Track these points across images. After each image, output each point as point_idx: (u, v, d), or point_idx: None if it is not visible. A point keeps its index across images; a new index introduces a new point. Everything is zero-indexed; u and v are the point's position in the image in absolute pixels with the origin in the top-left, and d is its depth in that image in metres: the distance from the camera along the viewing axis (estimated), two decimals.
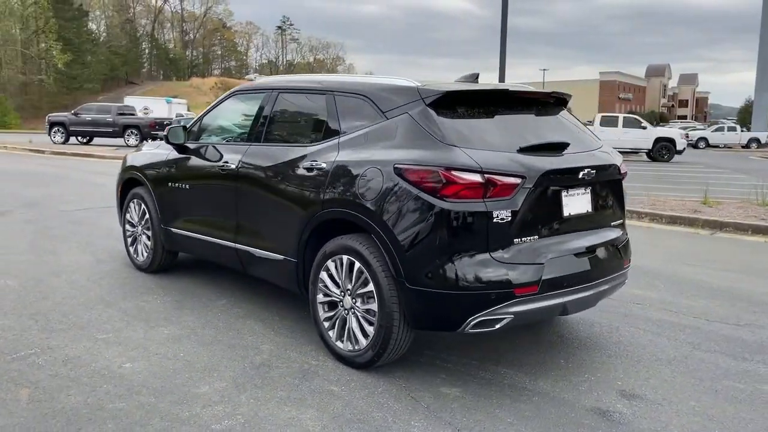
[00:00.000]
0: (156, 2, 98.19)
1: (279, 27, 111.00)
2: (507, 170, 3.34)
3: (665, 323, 4.74)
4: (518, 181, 3.35)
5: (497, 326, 3.36)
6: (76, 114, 27.70)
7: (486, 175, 3.28)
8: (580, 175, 3.63)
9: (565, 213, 3.61)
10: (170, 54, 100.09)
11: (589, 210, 3.79)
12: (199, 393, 3.37)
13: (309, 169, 3.96)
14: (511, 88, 3.81)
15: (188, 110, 43.63)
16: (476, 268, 3.29)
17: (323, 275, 3.87)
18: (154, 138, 26.30)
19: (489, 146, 3.45)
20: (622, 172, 4.06)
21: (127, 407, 3.18)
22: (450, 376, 3.68)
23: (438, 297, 3.33)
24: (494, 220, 3.29)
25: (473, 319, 3.30)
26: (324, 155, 3.92)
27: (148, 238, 5.60)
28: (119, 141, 26.93)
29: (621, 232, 4.05)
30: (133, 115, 29.13)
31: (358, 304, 3.69)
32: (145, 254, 5.68)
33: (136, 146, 25.65)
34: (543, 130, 3.87)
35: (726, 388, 3.64)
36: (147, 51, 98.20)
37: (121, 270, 5.81)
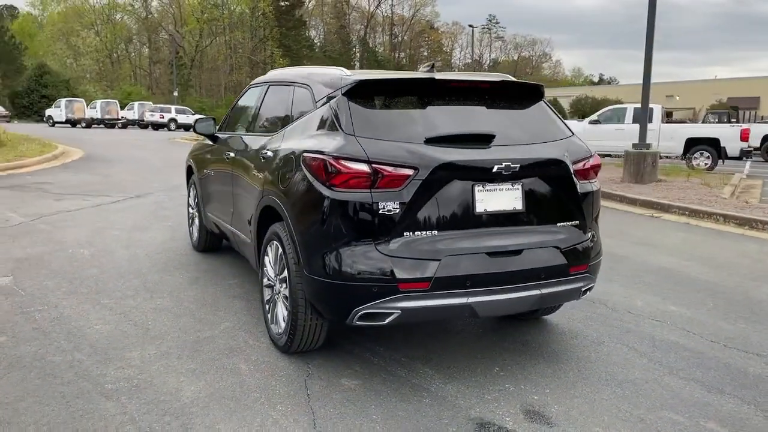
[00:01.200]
0: (369, 8, 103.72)
1: (484, 26, 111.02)
2: (397, 161, 3.22)
3: (664, 344, 4.15)
4: (409, 172, 3.21)
5: (386, 321, 3.26)
6: None
7: (374, 165, 3.20)
8: (495, 169, 3.34)
9: (479, 209, 3.36)
10: (378, 56, 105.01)
11: (518, 207, 3.47)
12: (127, 356, 3.74)
13: (262, 158, 4.14)
14: (438, 77, 3.62)
15: None
16: (361, 259, 3.23)
17: (264, 260, 4.03)
18: None
19: (394, 136, 3.35)
20: (578, 168, 3.65)
21: (58, 361, 3.64)
22: (363, 369, 3.63)
23: (327, 286, 3.32)
24: (380, 212, 3.19)
25: (359, 311, 3.24)
26: (273, 144, 4.08)
27: (198, 219, 6.19)
28: None
29: (568, 234, 3.64)
30: None
31: (282, 289, 3.80)
32: (196, 235, 6.28)
33: None
34: (474, 120, 3.64)
35: (658, 420, 3.14)
36: (358, 54, 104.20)
37: (181, 248, 6.46)
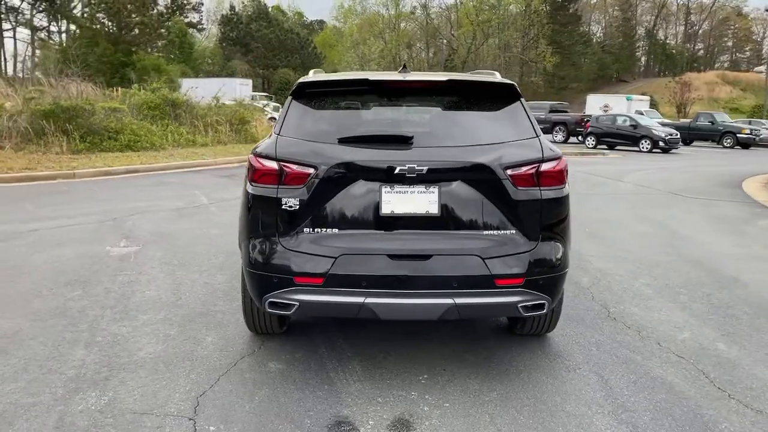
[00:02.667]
0: None
1: None
2: (300, 159, 3.38)
3: (652, 386, 3.56)
4: (310, 171, 3.35)
5: (290, 311, 3.43)
6: None
7: (281, 163, 3.41)
8: (397, 171, 3.28)
9: (385, 210, 3.34)
10: (667, 49, 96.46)
11: (432, 211, 3.35)
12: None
13: None
14: (372, 77, 3.62)
15: (651, 107, 42.10)
16: (267, 251, 3.46)
17: None
18: (577, 134, 26.95)
19: (314, 136, 3.49)
20: (516, 173, 3.36)
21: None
22: (300, 356, 3.83)
23: (247, 274, 3.61)
24: (283, 207, 3.39)
25: (267, 299, 3.47)
26: None
27: None
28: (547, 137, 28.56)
29: (497, 243, 3.37)
30: (565, 112, 30.24)
31: None
32: None
33: (562, 142, 26.77)
34: (402, 121, 3.58)
35: None
36: (642, 48, 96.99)
37: None
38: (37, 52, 46.89)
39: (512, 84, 3.74)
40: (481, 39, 67.96)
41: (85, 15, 40.02)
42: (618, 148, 24.71)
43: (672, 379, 3.62)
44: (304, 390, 3.42)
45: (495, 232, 3.40)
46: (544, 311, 3.54)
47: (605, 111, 38.05)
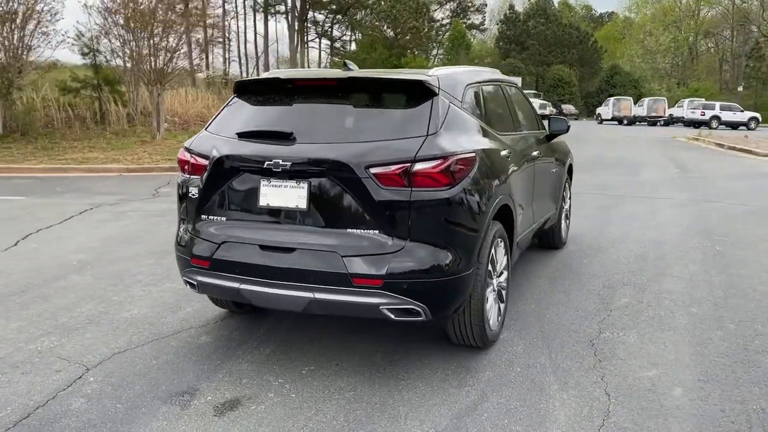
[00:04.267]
0: None
1: None
2: (201, 152, 3.72)
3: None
4: (205, 162, 3.68)
5: (195, 290, 3.80)
6: None
7: (192, 155, 3.80)
8: (265, 165, 3.42)
9: (262, 203, 3.50)
10: None
11: (301, 206, 3.41)
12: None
13: None
14: (283, 76, 3.76)
15: None
16: (181, 234, 3.87)
17: None
18: None
19: (223, 131, 3.78)
20: (381, 172, 3.25)
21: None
22: (248, 337, 4.18)
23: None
24: (189, 195, 3.78)
25: (183, 276, 3.90)
26: None
27: None
28: None
29: (357, 242, 3.31)
30: None
31: None
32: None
33: None
34: (298, 117, 3.67)
35: None
36: None
37: None
38: (333, 59, 53.27)
39: (420, 81, 3.58)
40: None
41: (367, 22, 44.17)
42: None
43: None
44: (195, 362, 3.77)
45: (357, 230, 3.34)
46: (423, 318, 3.38)
47: None
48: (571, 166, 6.63)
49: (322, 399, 3.31)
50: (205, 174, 3.67)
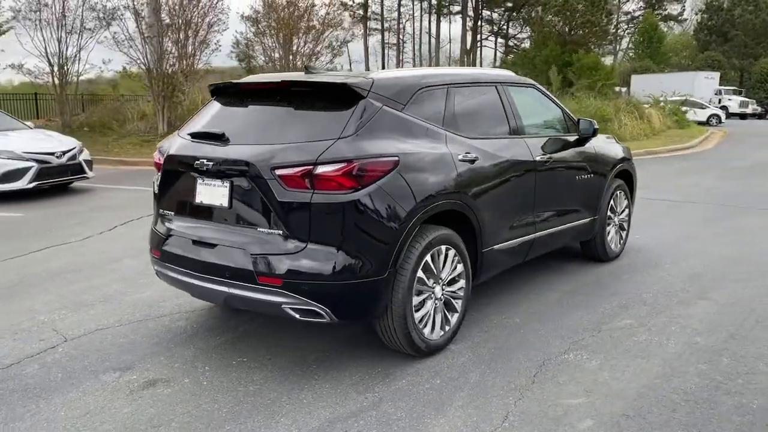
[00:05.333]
0: None
1: None
2: (161, 151, 4.07)
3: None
4: (161, 161, 4.02)
5: (161, 278, 4.18)
6: None
7: (158, 153, 4.17)
8: (195, 165, 3.66)
9: (197, 200, 3.75)
10: None
11: (224, 204, 3.60)
12: None
13: None
14: (236, 81, 4.00)
15: None
16: (151, 224, 4.27)
17: None
18: None
19: (185, 131, 4.08)
20: (285, 173, 3.35)
21: None
22: (224, 327, 4.50)
23: None
24: (154, 191, 4.16)
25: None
26: None
27: None
28: None
29: (264, 242, 3.45)
30: None
31: None
32: None
33: None
34: (237, 120, 3.85)
35: None
36: None
37: None
38: (507, 58, 52.34)
39: (345, 84, 3.61)
40: None
41: (540, 18, 42.79)
42: None
43: None
44: (154, 343, 4.13)
45: (264, 230, 3.47)
46: (328, 320, 3.43)
47: None
48: (626, 172, 6.06)
49: (226, 390, 3.48)
50: (161, 171, 4.01)
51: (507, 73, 5.09)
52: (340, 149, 3.37)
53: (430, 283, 3.79)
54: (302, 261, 3.37)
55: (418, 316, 3.70)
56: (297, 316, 3.45)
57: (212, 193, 3.68)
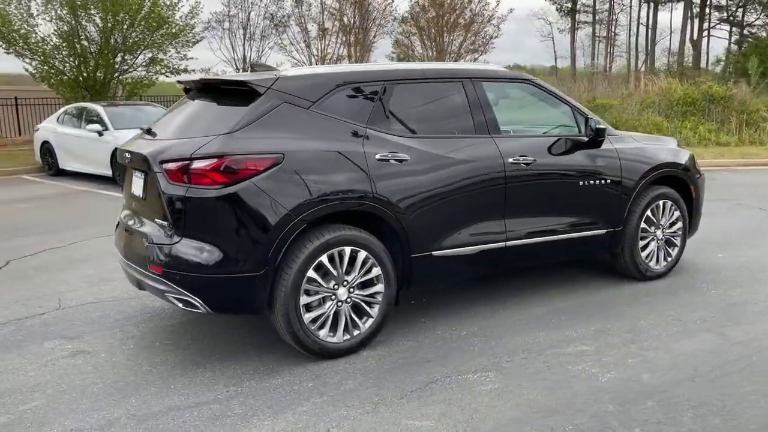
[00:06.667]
0: None
1: None
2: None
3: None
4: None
5: None
6: None
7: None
8: (126, 156, 3.97)
9: (133, 190, 4.06)
10: None
11: (141, 195, 3.87)
12: None
13: None
14: (179, 80, 4.26)
15: None
16: None
17: None
18: None
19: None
20: (170, 168, 3.50)
21: None
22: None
23: None
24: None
25: None
26: None
27: None
28: None
29: (155, 232, 3.66)
30: None
31: None
32: None
33: None
34: (175, 116, 4.05)
35: None
36: None
37: None
38: (740, 49, 46.10)
39: (243, 81, 3.69)
40: None
41: None
42: None
43: None
44: (121, 320, 4.53)
45: (157, 221, 3.69)
46: (204, 311, 3.56)
47: None
48: (675, 179, 5.22)
49: (125, 367, 3.75)
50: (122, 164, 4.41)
51: (489, 68, 4.69)
52: (216, 145, 3.45)
53: (330, 284, 3.69)
54: (177, 252, 3.50)
55: (310, 316, 3.63)
56: (179, 305, 3.60)
57: (137, 184, 3.97)
